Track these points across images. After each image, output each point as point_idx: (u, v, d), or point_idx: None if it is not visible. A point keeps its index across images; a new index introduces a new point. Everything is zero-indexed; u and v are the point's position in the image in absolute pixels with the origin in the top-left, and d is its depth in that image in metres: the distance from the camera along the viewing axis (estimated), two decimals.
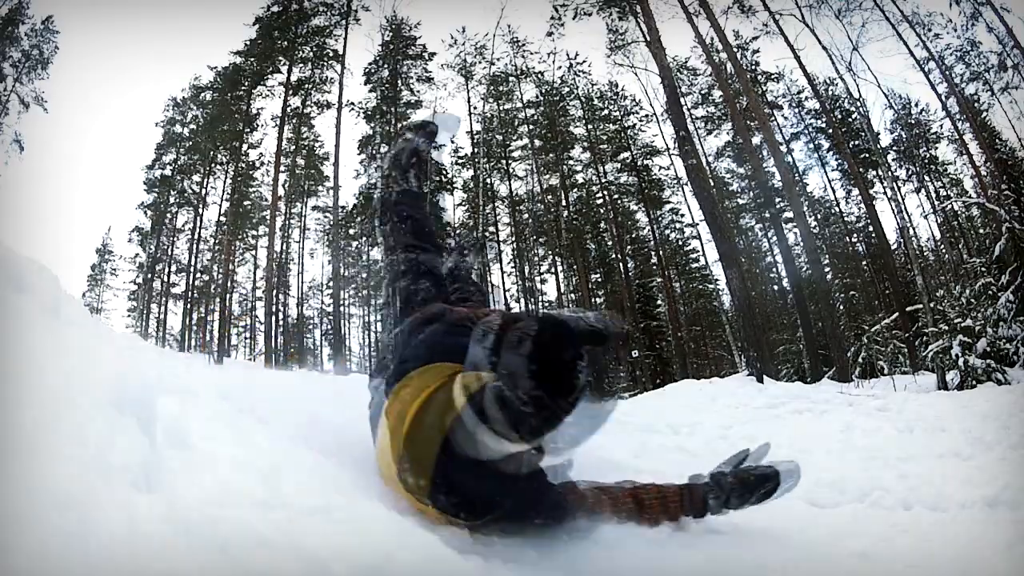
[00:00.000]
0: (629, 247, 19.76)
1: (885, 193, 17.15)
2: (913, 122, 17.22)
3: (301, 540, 0.96)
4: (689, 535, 1.50)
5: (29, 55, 17.05)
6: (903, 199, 16.96)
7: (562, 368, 1.25)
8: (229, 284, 19.93)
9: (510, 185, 20.95)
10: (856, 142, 17.62)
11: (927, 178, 16.92)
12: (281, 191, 19.97)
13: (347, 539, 1.02)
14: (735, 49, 17.45)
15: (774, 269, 19.15)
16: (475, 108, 20.78)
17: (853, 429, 3.45)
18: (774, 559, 1.38)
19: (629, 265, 19.64)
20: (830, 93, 17.95)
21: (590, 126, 20.88)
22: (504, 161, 21.02)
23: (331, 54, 20.05)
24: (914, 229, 16.93)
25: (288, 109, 19.86)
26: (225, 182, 20.06)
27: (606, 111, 21.10)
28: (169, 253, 19.86)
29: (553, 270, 20.24)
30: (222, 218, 19.92)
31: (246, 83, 20.02)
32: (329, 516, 1.09)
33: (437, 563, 1.05)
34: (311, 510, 1.09)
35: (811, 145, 18.69)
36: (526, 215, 20.14)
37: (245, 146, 20.16)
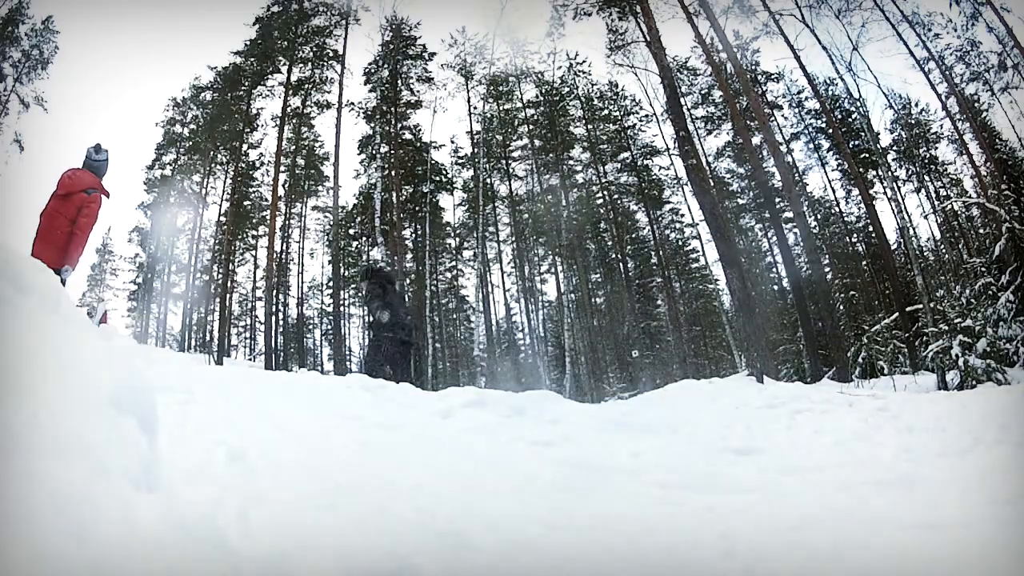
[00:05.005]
0: (629, 247, 19.77)
1: (885, 193, 17.17)
2: (913, 122, 17.23)
3: (301, 538, 0.96)
4: (692, 517, 1.51)
5: (29, 55, 17.06)
6: (903, 199, 16.97)
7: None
8: (229, 284, 19.94)
9: (510, 185, 20.96)
10: (856, 142, 17.63)
11: (927, 178, 16.94)
12: (281, 191, 19.97)
13: (347, 538, 1.02)
14: (735, 49, 17.46)
15: (774, 269, 19.15)
16: (475, 108, 20.79)
17: (853, 429, 3.45)
18: (774, 557, 1.38)
19: (629, 265, 19.65)
20: (830, 93, 17.95)
21: (590, 126, 20.89)
22: (504, 161, 21.03)
23: (331, 54, 20.07)
24: (914, 229, 16.93)
25: (288, 109, 19.87)
26: (225, 182, 20.07)
27: (606, 111, 21.11)
28: (169, 253, 19.89)
29: (553, 270, 20.25)
30: (222, 218, 19.94)
31: (246, 83, 20.03)
32: (332, 513, 1.09)
33: None
34: (312, 508, 1.09)
35: (811, 145, 18.70)
36: (526, 215, 20.14)
37: (245, 146, 20.18)
